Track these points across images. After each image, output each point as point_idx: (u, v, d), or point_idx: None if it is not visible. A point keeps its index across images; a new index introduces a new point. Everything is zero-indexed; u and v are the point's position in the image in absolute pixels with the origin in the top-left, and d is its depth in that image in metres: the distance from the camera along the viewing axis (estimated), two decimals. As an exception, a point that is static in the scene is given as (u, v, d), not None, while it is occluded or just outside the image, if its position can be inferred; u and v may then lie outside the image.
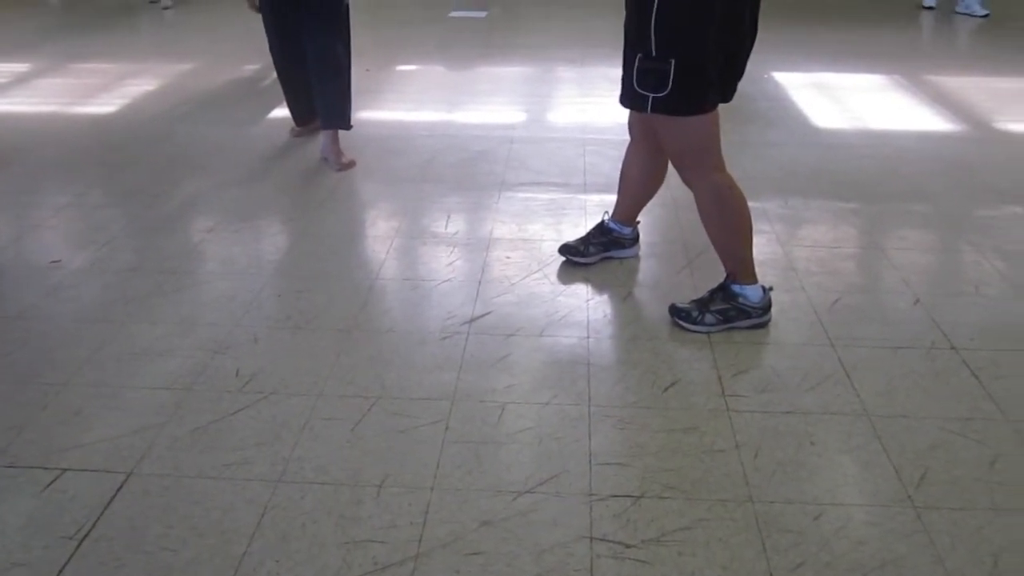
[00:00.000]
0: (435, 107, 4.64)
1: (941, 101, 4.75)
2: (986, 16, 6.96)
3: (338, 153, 3.70)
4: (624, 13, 2.32)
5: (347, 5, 3.67)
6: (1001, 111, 4.61)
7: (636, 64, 2.24)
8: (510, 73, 5.36)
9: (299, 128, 4.08)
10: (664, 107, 2.24)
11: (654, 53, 2.19)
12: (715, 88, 2.28)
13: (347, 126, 3.77)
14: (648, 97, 2.25)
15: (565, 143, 3.99)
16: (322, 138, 3.75)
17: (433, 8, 7.26)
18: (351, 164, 3.70)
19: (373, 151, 3.90)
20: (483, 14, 7.07)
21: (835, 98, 4.81)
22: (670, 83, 2.19)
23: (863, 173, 3.70)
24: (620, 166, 2.75)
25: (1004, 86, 5.19)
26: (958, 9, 7.15)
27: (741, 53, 2.32)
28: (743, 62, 2.35)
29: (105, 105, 4.71)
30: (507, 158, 3.80)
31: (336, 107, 3.72)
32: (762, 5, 2.28)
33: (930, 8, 7.41)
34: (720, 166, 2.36)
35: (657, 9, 2.15)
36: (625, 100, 2.36)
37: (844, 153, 3.94)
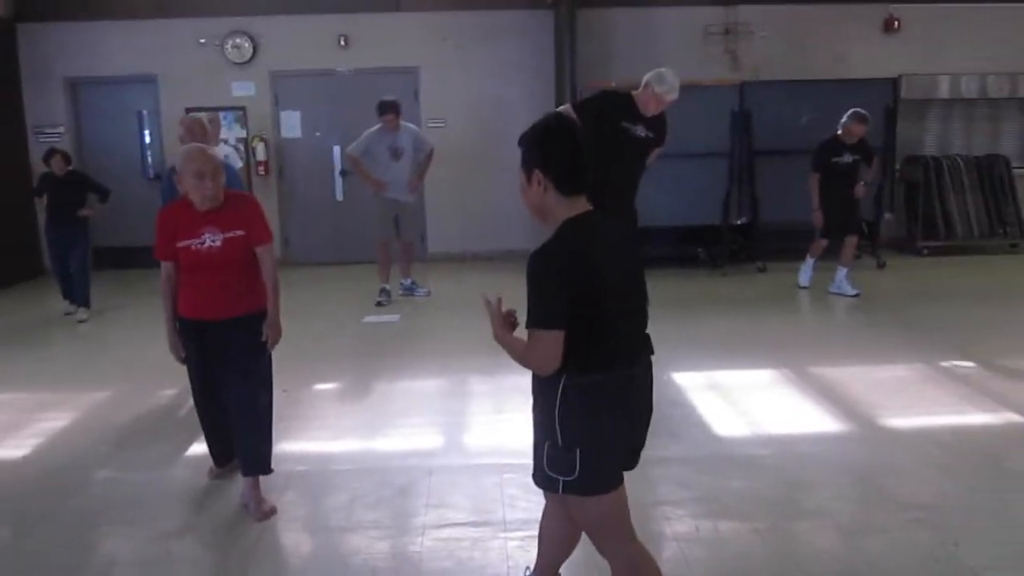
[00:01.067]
0: (354, 433, 4.75)
1: (829, 396, 5.12)
2: (857, 295, 7.65)
3: (259, 500, 3.73)
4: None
5: (269, 355, 3.85)
6: (885, 404, 4.96)
7: (545, 450, 2.43)
8: (425, 388, 5.56)
9: (219, 469, 4.11)
10: (574, 489, 2.43)
11: (560, 443, 2.39)
12: (618, 464, 2.48)
13: (267, 471, 3.83)
14: (559, 480, 2.43)
15: (483, 471, 4.12)
16: (243, 484, 3.79)
17: (346, 314, 7.56)
18: (272, 512, 3.72)
19: (295, 492, 3.94)
20: (396, 318, 7.41)
21: (732, 399, 5.13)
22: (577, 469, 2.38)
23: (768, 489, 3.91)
24: (537, 499, 2.84)
25: (884, 375, 5.62)
26: (831, 289, 7.86)
27: (640, 427, 2.55)
28: (643, 434, 2.57)
29: (16, 447, 4.67)
30: (427, 493, 3.88)
31: (256, 454, 3.79)
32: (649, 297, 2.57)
33: (805, 288, 8.10)
34: (631, 536, 2.51)
35: (560, 406, 2.38)
36: (538, 480, 2.52)
37: (748, 465, 4.17)
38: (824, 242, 7.87)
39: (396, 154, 7.74)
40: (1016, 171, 10.20)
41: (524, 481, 3.95)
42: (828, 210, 7.50)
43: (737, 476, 4.04)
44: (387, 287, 7.97)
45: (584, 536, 2.74)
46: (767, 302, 7.88)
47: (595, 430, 2.41)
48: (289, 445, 4.41)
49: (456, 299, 8.16)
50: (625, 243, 2.55)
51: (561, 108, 5.52)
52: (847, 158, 7.34)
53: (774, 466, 4.18)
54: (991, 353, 6.05)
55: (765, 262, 9.21)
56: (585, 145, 2.47)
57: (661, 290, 2.69)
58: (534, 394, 2.52)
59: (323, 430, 4.80)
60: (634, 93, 5.51)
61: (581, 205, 2.45)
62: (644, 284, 2.57)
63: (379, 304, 7.84)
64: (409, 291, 8.17)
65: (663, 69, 5.50)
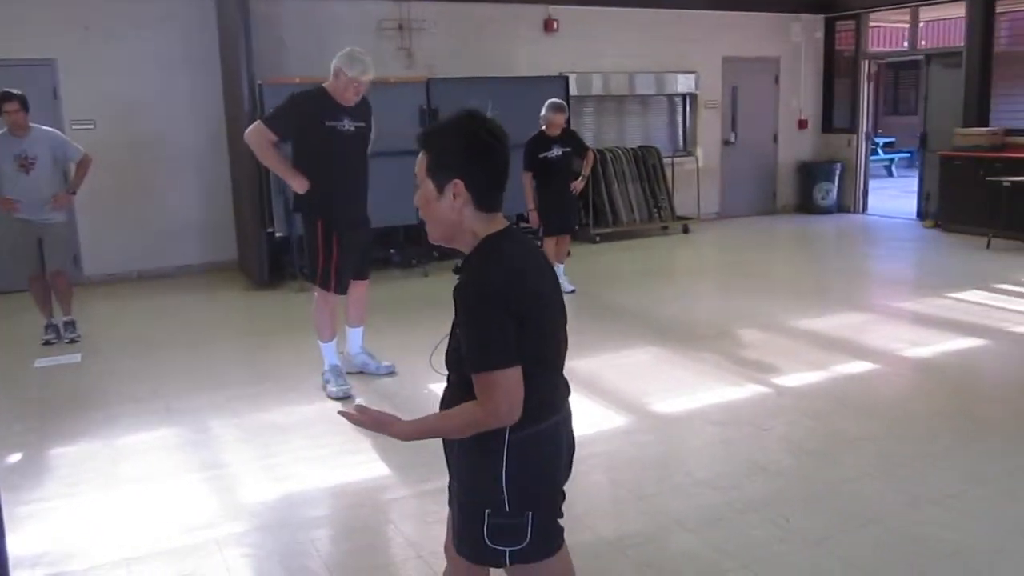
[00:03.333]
0: (95, 511, 3.74)
1: (595, 388, 5.10)
2: (572, 291, 7.69)
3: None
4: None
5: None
6: (648, 391, 5.09)
7: (487, 520, 2.00)
8: (158, 440, 4.60)
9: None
10: (524, 558, 2.04)
11: (509, 509, 1.99)
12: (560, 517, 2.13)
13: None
14: (504, 552, 2.02)
15: (284, 532, 3.48)
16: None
17: (10, 360, 6.15)
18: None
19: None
20: (76, 358, 6.17)
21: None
22: (529, 534, 2.01)
23: (592, 494, 3.77)
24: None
25: (628, 361, 5.79)
26: None
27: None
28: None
29: None
30: (228, 574, 3.17)
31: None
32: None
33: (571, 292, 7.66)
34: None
35: (507, 466, 1.97)
36: (473, 556, 2.07)
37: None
38: (552, 242, 7.59)
39: (26, 165, 6.24)
40: (666, 160, 11.26)
41: (334, 535, 3.45)
42: (546, 208, 7.36)
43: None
44: (53, 322, 6.64)
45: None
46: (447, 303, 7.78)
47: (548, 486, 2.07)
48: (15, 543, 3.36)
49: (140, 329, 7.05)
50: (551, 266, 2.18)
51: (252, 127, 4.88)
52: (556, 151, 7.32)
53: (584, 470, 4.03)
54: (702, 328, 6.53)
55: (425, 267, 9.14)
56: (508, 153, 2.07)
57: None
58: (460, 455, 2.06)
59: (52, 512, 3.74)
60: (326, 85, 4.96)
61: (500, 221, 2.05)
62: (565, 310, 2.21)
63: (47, 343, 6.50)
64: (55, 332, 6.62)
65: (348, 49, 4.97)
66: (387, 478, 3.97)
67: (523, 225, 8.17)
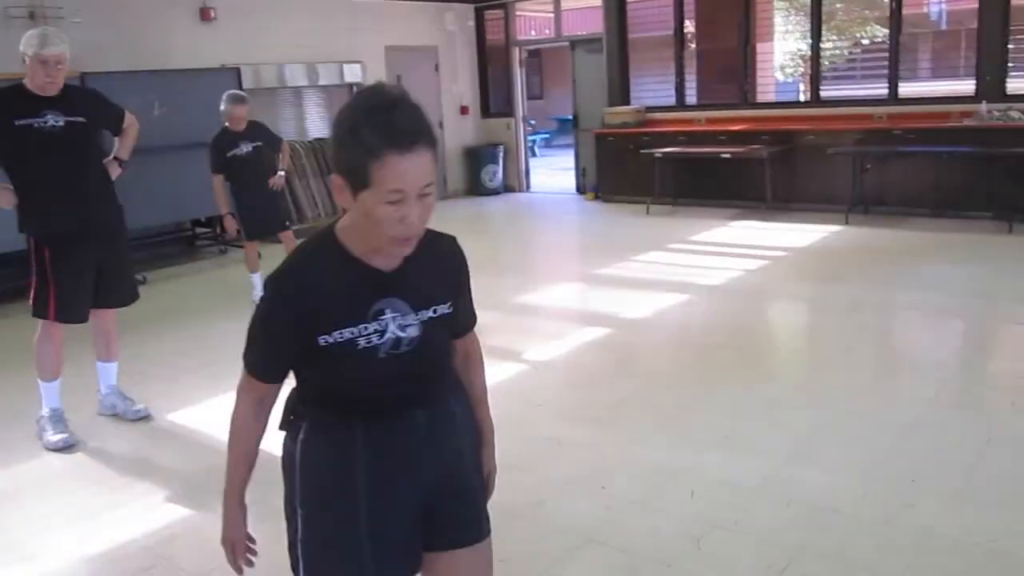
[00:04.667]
0: None
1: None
2: None
3: None
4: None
5: None
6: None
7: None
8: None
9: None
10: None
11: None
12: None
13: None
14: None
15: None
16: None
17: None
18: None
19: None
20: None
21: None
22: None
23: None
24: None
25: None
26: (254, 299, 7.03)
27: None
28: None
29: None
30: None
31: None
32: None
33: None
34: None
35: None
36: (485, 530, 1.96)
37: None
38: (255, 246, 7.02)
39: None
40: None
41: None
42: (243, 210, 6.80)
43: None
44: None
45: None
46: (175, 315, 7.08)
47: None
48: None
49: None
50: None
51: None
52: (244, 148, 6.75)
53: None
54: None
55: (143, 273, 8.28)
56: None
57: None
58: (456, 421, 1.88)
59: None
60: (25, 81, 4.20)
61: None
62: None
63: None
64: None
65: (33, 30, 4.22)
66: (173, 525, 3.45)
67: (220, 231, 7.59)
